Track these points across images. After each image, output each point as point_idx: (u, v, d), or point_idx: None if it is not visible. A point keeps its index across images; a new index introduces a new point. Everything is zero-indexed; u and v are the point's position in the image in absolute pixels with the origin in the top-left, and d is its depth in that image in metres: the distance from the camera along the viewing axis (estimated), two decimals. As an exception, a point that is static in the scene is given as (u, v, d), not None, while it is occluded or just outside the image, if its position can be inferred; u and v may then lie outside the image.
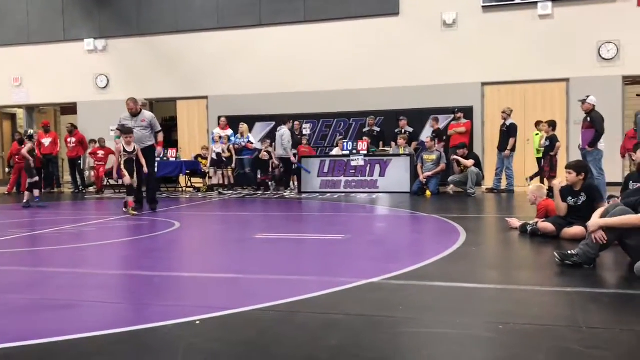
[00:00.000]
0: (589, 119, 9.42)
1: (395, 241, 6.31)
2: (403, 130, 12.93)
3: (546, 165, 11.02)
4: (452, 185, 11.75)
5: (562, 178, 5.98)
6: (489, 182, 12.33)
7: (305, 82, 14.32)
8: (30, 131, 11.52)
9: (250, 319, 3.15)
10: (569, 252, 4.35)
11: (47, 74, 16.21)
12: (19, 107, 17.31)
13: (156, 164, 10.14)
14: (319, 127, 14.33)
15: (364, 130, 13.65)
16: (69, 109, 17.21)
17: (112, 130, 14.79)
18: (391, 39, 13.81)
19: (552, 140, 10.96)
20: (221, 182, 13.19)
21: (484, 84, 13.45)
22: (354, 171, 12.24)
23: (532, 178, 12.13)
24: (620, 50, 12.53)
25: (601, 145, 9.33)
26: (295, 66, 14.40)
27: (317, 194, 11.84)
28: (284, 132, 12.05)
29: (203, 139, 15.14)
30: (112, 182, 14.23)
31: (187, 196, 12.48)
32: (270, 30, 14.68)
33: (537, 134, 12.01)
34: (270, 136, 13.88)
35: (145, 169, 8.64)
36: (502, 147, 11.90)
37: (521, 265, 4.80)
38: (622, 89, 12.66)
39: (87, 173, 14.95)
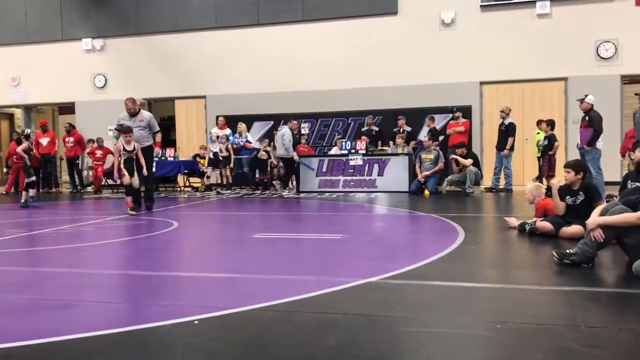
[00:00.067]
0: (587, 118, 9.43)
1: (394, 240, 6.31)
2: (401, 130, 12.93)
3: (545, 165, 11.02)
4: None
5: (561, 177, 5.99)
6: (487, 181, 12.34)
7: (304, 81, 14.32)
8: (27, 130, 11.49)
9: (249, 319, 3.15)
10: (568, 251, 4.35)
11: (45, 73, 16.19)
12: (17, 106, 17.27)
13: (154, 164, 10.13)
14: (317, 126, 14.33)
15: (363, 129, 13.65)
16: (67, 108, 17.19)
17: (110, 130, 14.79)
18: (389, 39, 13.81)
19: (551, 140, 10.97)
20: (219, 181, 13.19)
21: (482, 83, 13.45)
22: (352, 170, 12.24)
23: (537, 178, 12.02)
24: (619, 49, 12.54)
25: (599, 144, 9.34)
26: (294, 65, 14.39)
27: (316, 194, 11.84)
28: (284, 131, 12.02)
29: (201, 139, 15.13)
30: (110, 181, 14.22)
31: (185, 196, 12.47)
32: (268, 29, 14.67)
33: (538, 133, 11.97)
34: (269, 135, 13.88)
35: (145, 171, 8.62)
36: (500, 146, 11.91)
37: (519, 265, 4.80)
38: (621, 88, 12.67)
39: (85, 173, 14.92)
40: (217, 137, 13.24)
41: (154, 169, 10.20)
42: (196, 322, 3.06)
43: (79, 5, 16.01)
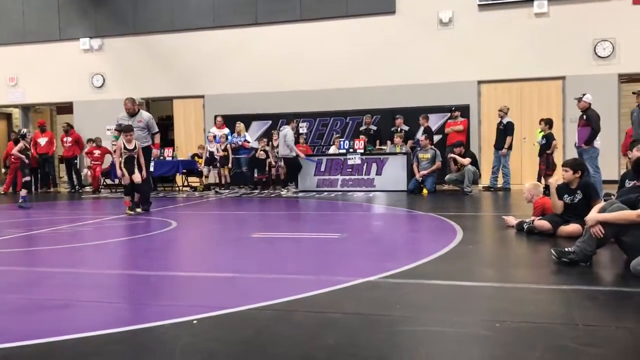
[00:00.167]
0: (585, 116, 9.44)
1: (392, 240, 6.31)
2: (399, 129, 12.94)
3: (542, 164, 11.04)
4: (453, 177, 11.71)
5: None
6: (485, 180, 12.35)
7: (302, 80, 14.31)
8: (24, 130, 11.46)
9: (248, 318, 3.15)
10: (566, 249, 4.36)
11: (42, 73, 16.16)
12: (15, 106, 17.24)
13: (152, 165, 10.13)
14: (315, 125, 14.32)
15: (361, 128, 13.65)
16: (65, 108, 17.16)
17: (108, 129, 14.77)
18: (387, 38, 13.81)
19: (549, 139, 10.98)
20: (217, 181, 13.18)
21: (480, 82, 13.46)
22: (350, 170, 12.25)
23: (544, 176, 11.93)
24: (616, 48, 12.55)
25: (597, 143, 9.36)
26: (292, 65, 14.39)
27: (314, 193, 11.84)
28: (286, 131, 12.00)
29: (199, 138, 15.12)
30: (108, 181, 14.21)
31: (184, 195, 12.47)
32: (266, 29, 14.66)
33: (540, 132, 11.89)
34: (267, 135, 13.87)
35: (144, 172, 8.60)
36: (498, 145, 11.93)
37: (518, 263, 4.81)
38: (618, 87, 12.68)
39: (85, 172, 14.88)
40: (214, 136, 13.25)
41: (151, 169, 10.19)
42: (195, 321, 3.07)
43: (77, 4, 15.98)
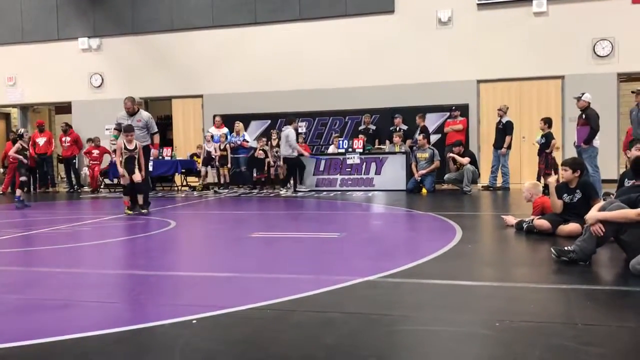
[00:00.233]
0: (584, 116, 9.45)
1: (391, 239, 6.31)
2: (398, 128, 12.94)
3: (541, 163, 11.04)
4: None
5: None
6: (485, 179, 12.35)
7: (301, 80, 14.31)
8: (21, 130, 11.42)
9: (247, 318, 3.15)
10: (566, 248, 4.36)
11: (41, 73, 16.14)
12: (13, 106, 17.23)
13: (150, 165, 10.11)
14: (314, 125, 14.31)
15: (360, 128, 13.65)
16: (64, 108, 17.16)
17: (107, 129, 14.75)
18: (386, 37, 13.81)
19: (548, 138, 10.98)
20: (215, 180, 13.17)
21: (479, 81, 13.46)
22: (349, 169, 12.25)
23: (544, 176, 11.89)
24: (615, 47, 12.56)
25: (596, 142, 9.37)
26: (291, 64, 14.38)
27: (313, 192, 11.83)
28: (288, 132, 11.97)
29: (198, 138, 15.11)
30: (107, 181, 14.20)
31: (183, 195, 12.46)
32: (265, 28, 14.65)
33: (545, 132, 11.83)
34: (266, 134, 13.85)
35: (143, 172, 8.58)
36: (498, 144, 11.93)
37: (517, 263, 4.81)
38: (617, 86, 12.69)
39: (85, 171, 14.85)
40: (212, 136, 13.26)
41: (150, 169, 10.17)
42: (194, 321, 3.06)
43: (75, 4, 15.97)
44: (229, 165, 13.14)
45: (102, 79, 15.89)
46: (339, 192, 11.82)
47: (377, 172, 12.06)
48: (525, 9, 13.04)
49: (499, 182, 11.94)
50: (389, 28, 13.83)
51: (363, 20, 14.01)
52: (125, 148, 8.36)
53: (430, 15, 13.57)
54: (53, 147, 14.91)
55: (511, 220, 6.36)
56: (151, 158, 9.98)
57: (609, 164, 11.76)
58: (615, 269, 4.34)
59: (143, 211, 8.40)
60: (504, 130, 11.83)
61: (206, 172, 13.39)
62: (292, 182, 12.52)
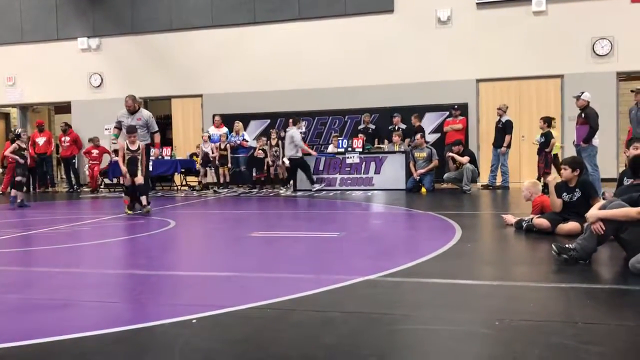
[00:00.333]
0: (583, 115, 9.45)
1: (391, 238, 6.31)
2: (397, 127, 12.94)
3: (541, 162, 11.04)
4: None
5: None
6: (484, 178, 12.35)
7: (300, 79, 14.31)
8: (18, 130, 11.38)
9: (247, 317, 3.15)
10: (567, 245, 4.35)
11: (40, 73, 16.14)
12: (13, 106, 17.23)
13: (150, 164, 10.09)
14: (314, 124, 14.32)
15: (359, 127, 13.65)
16: (63, 108, 17.15)
17: (106, 129, 14.74)
18: (386, 37, 13.81)
19: (547, 137, 10.98)
20: (214, 180, 13.17)
21: (478, 80, 13.47)
22: (349, 169, 12.25)
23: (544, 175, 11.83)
24: (615, 46, 12.57)
25: (595, 141, 9.37)
26: (290, 64, 14.38)
27: (313, 192, 11.83)
28: (293, 132, 11.95)
29: (198, 138, 15.08)
30: (107, 181, 14.20)
31: (183, 195, 12.46)
32: (264, 28, 14.65)
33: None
34: (266, 134, 13.85)
35: (142, 172, 8.55)
36: (497, 143, 11.93)
37: (517, 262, 4.81)
38: (617, 85, 12.70)
39: (86, 167, 14.82)
40: (209, 136, 13.28)
41: (150, 168, 10.15)
42: (194, 321, 3.07)
43: (75, 4, 15.96)
44: (229, 165, 13.15)
45: (102, 79, 15.89)
46: (339, 192, 11.82)
47: (377, 172, 12.06)
48: (524, 8, 13.05)
49: (499, 181, 11.94)
50: (388, 27, 13.83)
51: (362, 19, 14.01)
52: (128, 149, 8.32)
53: (429, 15, 13.58)
54: (52, 147, 14.89)
55: (511, 219, 6.36)
56: (152, 157, 9.97)
57: (609, 162, 11.76)
58: (615, 267, 4.34)
59: (146, 209, 8.35)
60: (504, 129, 11.83)
61: (205, 172, 13.39)
62: (292, 182, 12.53)
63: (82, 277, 4.43)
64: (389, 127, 13.13)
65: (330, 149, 13.01)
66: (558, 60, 12.82)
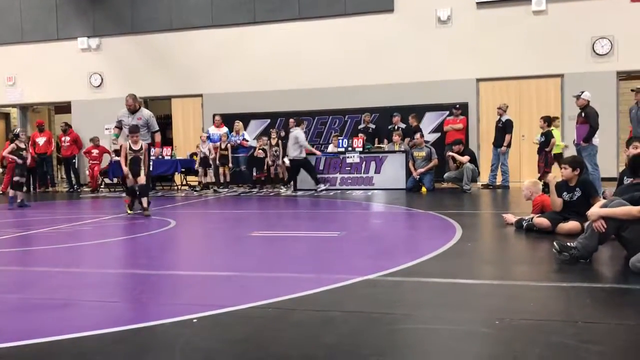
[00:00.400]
0: (583, 114, 9.45)
1: (391, 238, 6.31)
2: (396, 127, 12.94)
3: (541, 161, 11.04)
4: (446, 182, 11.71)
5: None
6: (484, 178, 12.35)
7: (300, 79, 14.31)
8: (16, 130, 11.35)
9: (247, 317, 3.15)
10: (568, 244, 4.35)
11: (40, 73, 16.14)
12: (13, 106, 17.23)
13: (150, 164, 10.07)
14: (314, 124, 14.31)
15: (360, 127, 13.65)
16: (63, 108, 17.15)
17: (106, 129, 14.75)
18: (386, 36, 13.81)
19: (547, 136, 10.98)
20: (213, 180, 13.18)
21: (478, 80, 13.47)
22: (349, 168, 12.25)
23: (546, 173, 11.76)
24: (614, 45, 12.56)
25: (595, 140, 9.37)
26: (290, 63, 14.38)
27: (313, 191, 11.83)
28: (297, 133, 11.94)
29: (198, 137, 15.06)
30: (107, 180, 14.19)
31: (183, 194, 12.46)
32: (264, 27, 14.65)
33: (552, 129, 11.77)
34: (266, 133, 13.84)
35: (145, 171, 8.51)
36: (497, 143, 11.93)
37: (517, 261, 4.81)
38: (617, 85, 12.69)
39: (86, 171, 14.83)
40: (207, 137, 13.30)
41: (150, 168, 10.14)
42: (195, 320, 3.07)
43: (75, 4, 15.96)
44: (230, 165, 13.15)
45: (102, 79, 15.89)
46: (339, 191, 11.82)
47: (377, 171, 12.06)
48: (524, 8, 13.05)
49: (499, 180, 11.94)
50: (388, 27, 13.83)
51: (362, 19, 14.01)
52: (131, 149, 8.29)
53: (429, 14, 13.57)
54: (53, 147, 14.89)
55: (511, 218, 6.36)
56: (152, 157, 9.96)
57: (609, 162, 11.76)
58: (615, 266, 4.35)
59: (146, 213, 8.25)
60: (504, 128, 11.83)
61: (205, 172, 13.39)
62: (293, 182, 12.53)
63: (83, 276, 4.43)
64: (389, 127, 13.13)
65: (331, 148, 13.00)
66: (558, 59, 12.82)
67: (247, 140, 13.55)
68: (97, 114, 15.30)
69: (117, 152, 9.43)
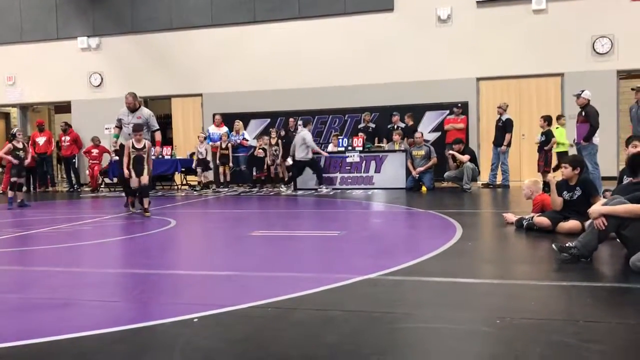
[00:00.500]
0: (583, 113, 9.45)
1: (392, 237, 6.31)
2: (395, 126, 12.93)
3: (541, 160, 11.04)
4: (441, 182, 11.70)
5: (556, 172, 6.00)
6: (484, 177, 12.35)
7: (300, 78, 14.30)
8: (13, 130, 11.32)
9: (248, 316, 3.15)
10: (567, 244, 4.35)
11: (40, 72, 16.13)
12: (13, 106, 17.22)
13: (151, 163, 10.06)
14: (314, 123, 14.26)
15: (360, 126, 13.65)
16: (63, 107, 17.15)
17: (106, 128, 14.74)
18: (386, 35, 13.80)
19: (548, 136, 10.98)
20: (209, 180, 13.19)
21: (479, 79, 13.46)
22: (349, 167, 12.24)
23: (554, 169, 11.68)
24: (615, 44, 12.55)
25: (596, 139, 9.37)
26: (290, 63, 14.37)
27: (313, 191, 11.83)
28: (304, 134, 11.93)
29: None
30: (107, 180, 14.19)
31: (183, 194, 12.46)
32: (264, 27, 14.64)
33: (557, 128, 11.74)
34: (266, 133, 13.83)
35: (145, 170, 8.49)
36: (498, 142, 11.92)
37: (517, 260, 4.81)
38: (617, 83, 12.69)
39: (86, 170, 14.81)
40: (205, 137, 13.29)
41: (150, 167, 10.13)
42: (195, 320, 3.06)
43: (75, 3, 15.95)
44: (230, 164, 13.15)
45: (102, 78, 15.88)
46: (339, 191, 11.82)
47: (377, 170, 12.06)
48: (524, 7, 13.04)
49: (499, 179, 11.94)
50: (388, 26, 13.83)
51: (362, 18, 14.00)
52: (133, 147, 8.27)
53: (429, 13, 13.56)
54: (53, 147, 14.89)
55: (511, 217, 6.36)
56: (152, 156, 9.95)
57: (609, 161, 11.75)
58: (616, 265, 4.35)
59: (147, 214, 8.23)
60: (504, 127, 11.82)
61: (203, 171, 13.38)
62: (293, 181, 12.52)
63: (83, 276, 4.43)
64: (388, 126, 13.13)
65: (331, 148, 13.00)
66: (558, 58, 12.81)
67: (247, 140, 13.54)
68: (97, 114, 15.29)
69: (117, 152, 9.41)
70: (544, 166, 10.88)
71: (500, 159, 11.88)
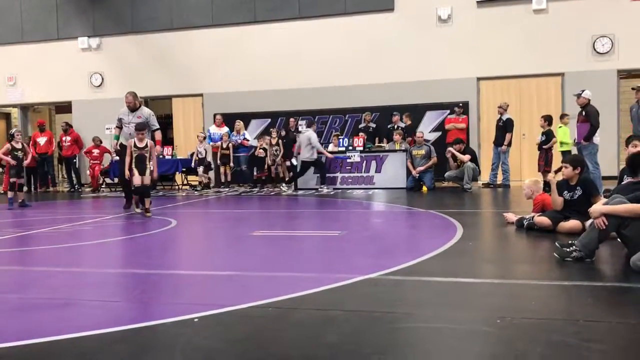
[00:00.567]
0: (584, 113, 9.45)
1: (392, 237, 6.31)
2: (395, 126, 12.93)
3: (541, 160, 11.04)
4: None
5: (558, 174, 6.00)
6: (485, 177, 12.35)
7: (301, 78, 14.30)
8: (12, 130, 11.31)
9: (249, 316, 3.15)
10: (568, 249, 4.33)
11: (41, 72, 16.15)
12: (14, 106, 17.24)
13: (156, 162, 10.06)
14: (314, 123, 14.29)
15: (360, 126, 13.65)
16: (64, 107, 17.16)
17: (107, 128, 14.75)
18: (386, 35, 13.80)
19: (548, 135, 10.98)
20: (208, 180, 13.20)
21: (479, 79, 13.46)
22: (350, 167, 12.24)
23: (556, 172, 11.67)
24: (615, 44, 12.55)
25: (596, 139, 9.37)
26: (291, 63, 14.37)
27: (313, 191, 11.83)
28: (310, 134, 11.93)
29: (199, 137, 15.11)
30: (108, 180, 14.20)
31: (183, 194, 12.46)
32: (264, 27, 14.64)
33: (560, 127, 11.71)
34: (267, 133, 13.83)
35: (155, 173, 8.47)
36: (498, 141, 11.93)
37: (518, 260, 4.81)
38: (617, 83, 12.69)
39: (87, 170, 14.83)
40: (204, 137, 13.28)
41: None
42: (196, 320, 3.07)
43: (75, 4, 15.96)
44: (231, 164, 13.16)
45: (102, 79, 15.89)
46: (340, 190, 11.82)
47: (378, 170, 12.06)
48: (524, 6, 13.04)
49: (499, 179, 11.94)
50: (388, 26, 13.83)
51: (363, 18, 14.01)
52: (136, 146, 8.25)
53: (429, 13, 13.57)
54: (54, 147, 14.90)
55: (512, 217, 6.36)
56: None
57: (609, 160, 11.76)
58: (616, 265, 4.34)
59: (147, 215, 8.23)
60: (504, 127, 11.83)
61: (204, 170, 13.39)
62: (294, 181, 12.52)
63: (83, 276, 4.43)
64: (388, 126, 13.13)
65: (331, 147, 12.99)
66: (558, 58, 12.81)
67: (248, 140, 13.55)
68: (98, 114, 15.30)
69: (118, 152, 9.41)
70: (545, 166, 10.88)
71: (501, 159, 11.88)
